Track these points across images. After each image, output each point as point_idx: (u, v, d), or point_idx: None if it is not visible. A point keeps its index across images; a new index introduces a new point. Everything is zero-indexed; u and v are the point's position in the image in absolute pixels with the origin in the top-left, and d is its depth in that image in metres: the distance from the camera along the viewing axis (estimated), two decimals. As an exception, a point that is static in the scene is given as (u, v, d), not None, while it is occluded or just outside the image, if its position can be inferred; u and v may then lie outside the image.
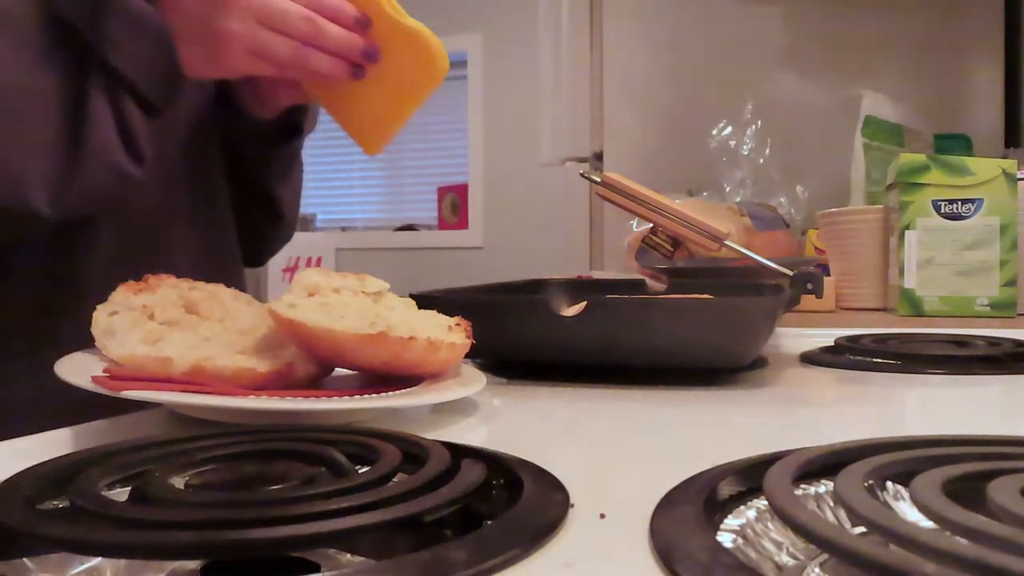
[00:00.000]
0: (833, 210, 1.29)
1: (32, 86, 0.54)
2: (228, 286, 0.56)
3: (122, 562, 0.29)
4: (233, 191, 0.77)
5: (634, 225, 1.44)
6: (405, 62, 0.61)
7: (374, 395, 0.47)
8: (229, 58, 0.57)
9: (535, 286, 0.85)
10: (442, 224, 4.21)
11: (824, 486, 0.32)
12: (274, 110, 0.70)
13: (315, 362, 0.51)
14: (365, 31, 0.59)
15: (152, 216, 0.70)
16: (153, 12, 0.56)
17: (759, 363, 0.67)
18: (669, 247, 1.29)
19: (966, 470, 0.28)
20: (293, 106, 0.71)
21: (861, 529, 0.27)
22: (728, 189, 1.60)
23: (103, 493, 0.30)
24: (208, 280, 0.56)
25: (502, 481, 0.33)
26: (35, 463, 0.33)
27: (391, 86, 0.62)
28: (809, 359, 0.71)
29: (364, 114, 0.64)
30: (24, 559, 0.28)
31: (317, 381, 0.52)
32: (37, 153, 0.55)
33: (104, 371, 0.46)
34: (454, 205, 4.15)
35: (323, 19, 0.58)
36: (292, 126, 0.73)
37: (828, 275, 1.24)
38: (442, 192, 4.21)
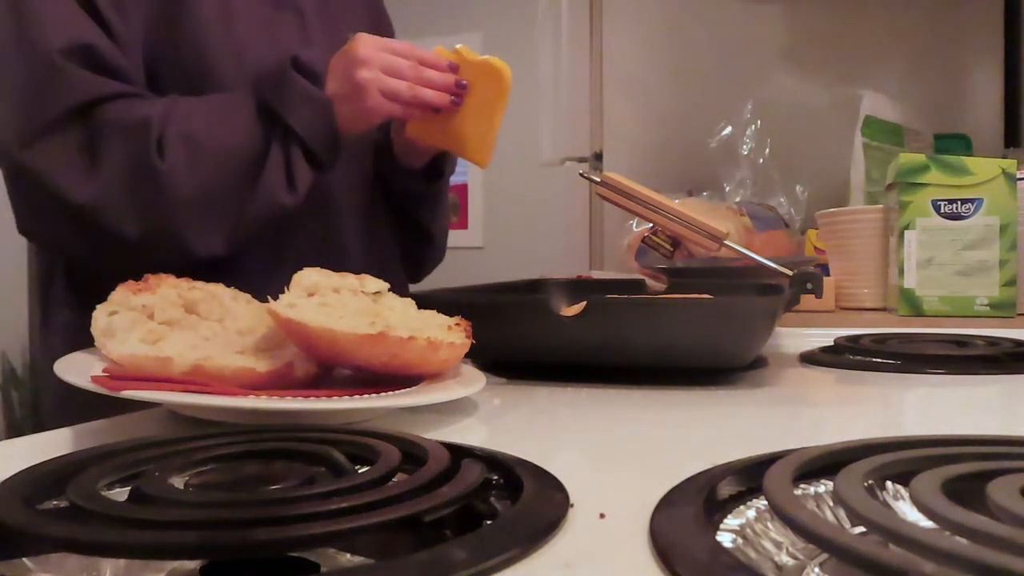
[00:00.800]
0: (833, 210, 1.29)
1: (236, 147, 0.75)
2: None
3: (122, 562, 0.29)
4: (395, 224, 1.00)
5: (634, 225, 1.44)
6: (484, 86, 0.81)
7: (374, 395, 0.47)
8: (368, 101, 0.76)
9: (535, 286, 0.85)
10: (442, 224, 4.21)
11: (824, 486, 0.32)
12: (421, 160, 0.93)
13: (315, 362, 0.51)
14: (455, 72, 0.81)
15: (342, 240, 0.90)
16: (319, 91, 0.77)
17: (759, 363, 0.67)
18: (669, 247, 1.29)
19: (965, 470, 0.28)
20: (438, 155, 0.94)
21: (861, 529, 0.27)
22: (728, 189, 1.60)
23: (103, 493, 0.30)
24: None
25: (502, 481, 0.33)
26: (35, 463, 0.33)
27: (480, 107, 0.82)
28: (809, 359, 0.71)
29: (467, 136, 0.84)
30: (24, 559, 0.28)
31: (317, 381, 0.52)
32: (221, 200, 0.75)
33: (104, 371, 0.46)
34: (454, 205, 4.15)
35: (424, 66, 0.79)
36: (437, 170, 0.96)
37: (828, 275, 1.24)
38: (442, 192, 4.20)
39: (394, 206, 0.99)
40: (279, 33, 0.85)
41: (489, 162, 0.87)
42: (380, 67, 0.77)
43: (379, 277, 0.63)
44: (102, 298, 0.53)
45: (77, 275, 0.81)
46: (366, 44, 0.77)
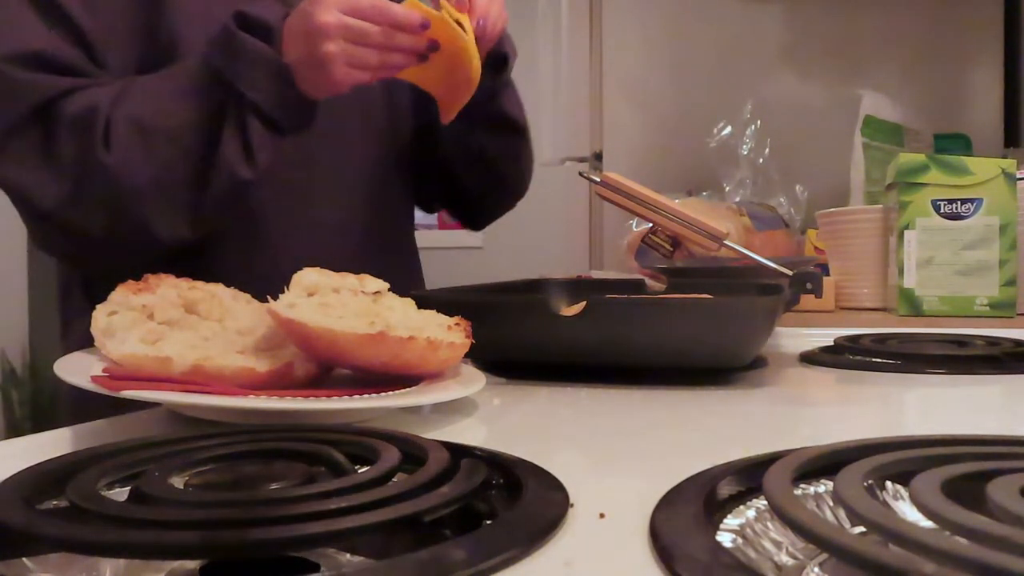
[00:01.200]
0: (832, 210, 1.29)
1: (187, 124, 0.70)
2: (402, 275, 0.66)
3: (121, 562, 0.29)
4: (489, 136, 0.95)
5: (634, 225, 1.44)
6: (450, 41, 0.75)
7: (374, 395, 0.47)
8: (335, 74, 0.71)
9: (535, 286, 0.85)
10: (442, 224, 4.20)
11: (823, 486, 0.32)
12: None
13: (315, 362, 0.51)
14: (425, 31, 0.73)
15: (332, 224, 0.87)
16: (274, 54, 0.71)
17: (759, 363, 0.67)
18: (669, 247, 1.29)
19: (965, 470, 0.28)
20: (493, 49, 0.85)
21: (860, 529, 0.27)
22: (728, 189, 1.60)
23: (102, 493, 0.30)
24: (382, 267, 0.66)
25: (502, 481, 0.33)
26: (35, 463, 0.33)
27: (447, 61, 0.76)
28: (809, 359, 0.71)
29: (438, 89, 0.80)
30: (24, 559, 0.28)
31: (317, 381, 0.52)
32: (176, 184, 0.71)
33: (104, 371, 0.46)
34: (454, 205, 4.14)
35: (394, 30, 0.72)
36: (500, 57, 0.88)
37: (827, 275, 1.24)
38: (442, 192, 4.20)
39: (473, 125, 0.91)
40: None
41: (450, 119, 0.82)
42: (344, 36, 0.70)
43: (379, 258, 0.62)
44: None
45: (94, 284, 0.80)
46: (327, 7, 0.69)
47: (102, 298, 0.52)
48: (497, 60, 0.88)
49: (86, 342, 0.52)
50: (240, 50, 0.70)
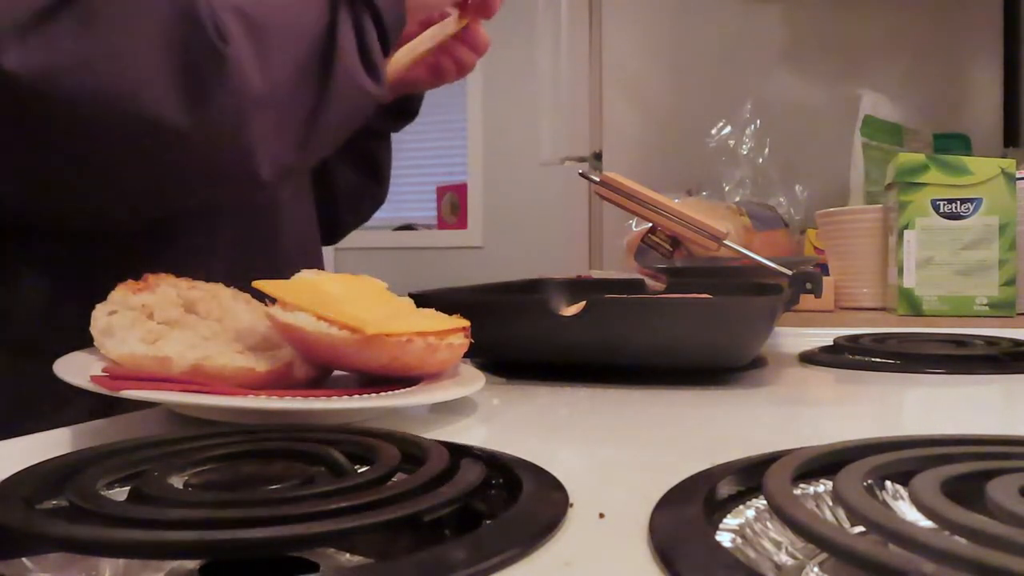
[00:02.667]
0: (832, 210, 1.29)
1: (302, 20, 0.58)
2: (314, 265, 0.59)
3: (121, 562, 0.29)
4: (351, 169, 0.90)
5: (633, 225, 1.45)
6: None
7: (373, 395, 0.47)
8: None
9: (534, 286, 0.85)
10: (441, 224, 4.20)
11: (823, 485, 0.32)
12: (394, 94, 0.80)
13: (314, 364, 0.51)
14: None
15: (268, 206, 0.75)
16: None
17: (758, 363, 0.67)
18: (668, 247, 1.29)
19: (965, 470, 0.28)
20: (408, 95, 0.84)
21: (860, 528, 0.27)
22: (727, 188, 1.60)
23: (102, 493, 0.30)
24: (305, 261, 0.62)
25: (501, 481, 0.33)
26: (34, 463, 0.33)
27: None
28: (808, 359, 0.71)
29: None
30: (23, 559, 0.28)
31: (316, 381, 0.52)
32: (291, 96, 0.57)
33: (103, 370, 0.46)
34: (453, 205, 4.15)
35: None
36: (407, 110, 0.88)
37: (827, 275, 1.24)
38: (441, 192, 4.20)
39: (354, 147, 0.85)
40: None
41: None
42: None
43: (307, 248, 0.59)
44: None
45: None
46: None
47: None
48: (407, 110, 0.88)
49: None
50: None
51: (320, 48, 0.58)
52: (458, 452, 0.34)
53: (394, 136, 0.96)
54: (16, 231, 0.58)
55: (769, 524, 0.29)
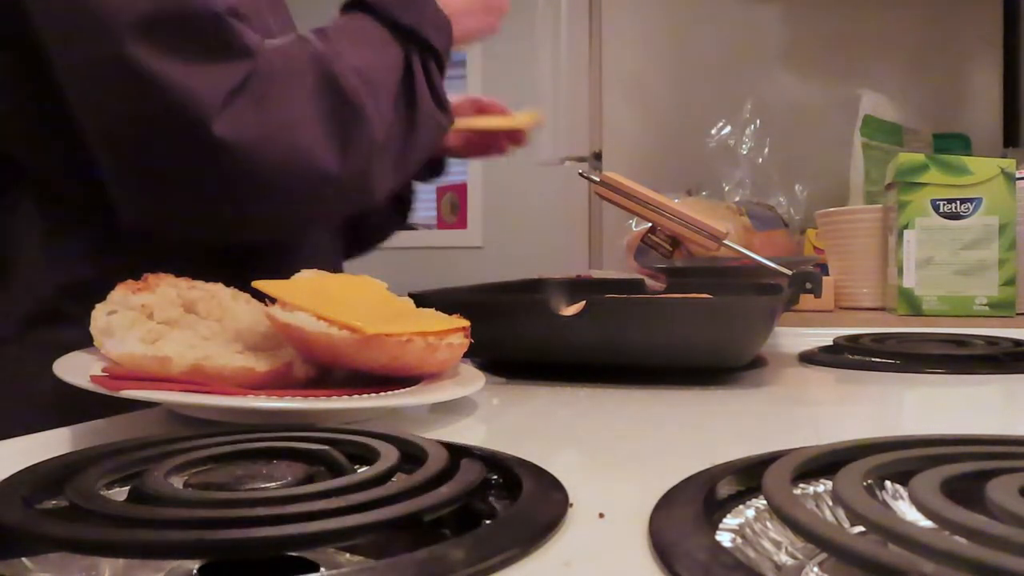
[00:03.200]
0: (832, 209, 1.29)
1: (392, 70, 0.69)
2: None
3: (120, 562, 0.29)
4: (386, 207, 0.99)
5: (633, 224, 1.44)
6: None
7: (373, 395, 0.47)
8: (495, 20, 0.80)
9: (534, 286, 0.85)
10: (441, 224, 4.20)
11: (823, 485, 0.32)
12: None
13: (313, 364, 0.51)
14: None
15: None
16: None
17: (758, 363, 0.67)
18: (668, 246, 1.28)
19: (965, 469, 0.28)
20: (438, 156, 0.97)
21: (860, 528, 0.27)
22: (727, 188, 1.60)
23: (102, 493, 0.30)
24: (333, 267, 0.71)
25: (501, 480, 0.33)
26: (34, 463, 0.33)
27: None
28: (808, 358, 0.71)
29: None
30: (23, 559, 0.28)
31: (316, 381, 0.52)
32: (394, 137, 0.68)
33: (103, 370, 0.46)
34: (453, 205, 4.15)
35: None
36: (437, 168, 1.00)
37: (827, 275, 1.24)
38: (441, 192, 4.20)
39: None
40: None
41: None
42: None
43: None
44: None
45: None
46: None
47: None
48: (437, 166, 1.00)
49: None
50: (423, 1, 0.72)
51: (405, 93, 0.69)
52: (458, 452, 0.34)
53: None
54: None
55: (769, 524, 0.29)
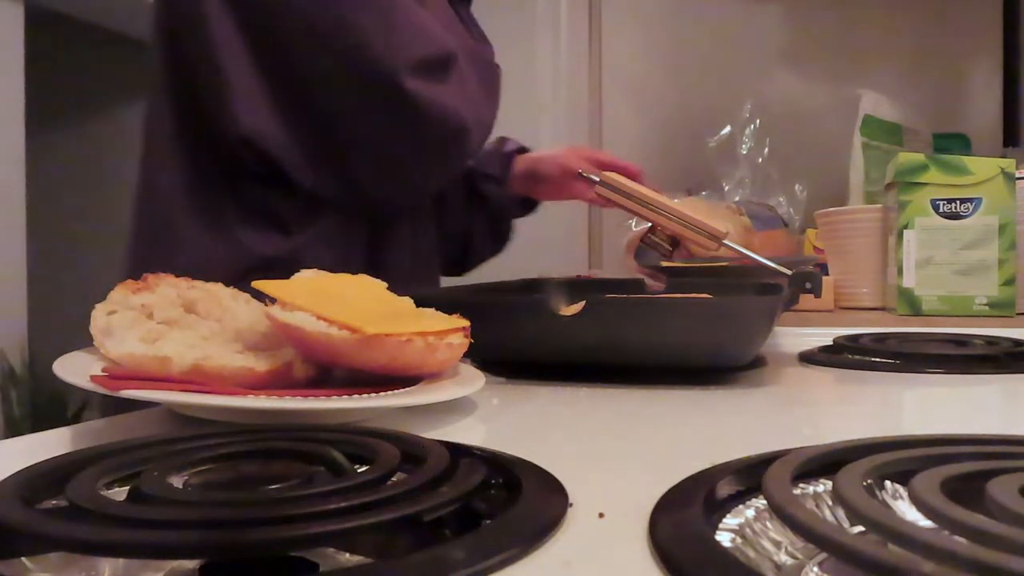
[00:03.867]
0: (832, 209, 1.29)
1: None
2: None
3: (121, 562, 0.29)
4: (490, 240, 1.24)
5: (633, 224, 1.44)
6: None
7: (373, 395, 0.47)
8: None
9: (534, 286, 0.85)
10: (441, 224, 4.20)
11: (823, 485, 0.32)
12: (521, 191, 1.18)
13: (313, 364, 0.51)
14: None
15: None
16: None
17: (758, 363, 0.67)
18: (668, 246, 1.28)
19: (965, 469, 0.28)
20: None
21: (860, 528, 0.27)
22: (727, 188, 1.60)
23: (101, 492, 0.30)
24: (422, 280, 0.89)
25: (501, 480, 0.33)
26: (34, 462, 0.33)
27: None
28: (808, 358, 0.71)
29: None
30: (23, 559, 0.28)
31: (316, 381, 0.52)
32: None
33: (103, 370, 0.46)
34: (453, 204, 4.14)
35: None
36: (532, 203, 1.23)
37: (827, 274, 1.24)
38: (441, 191, 4.19)
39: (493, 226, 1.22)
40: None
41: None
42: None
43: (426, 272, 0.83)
44: None
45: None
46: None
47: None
48: (531, 204, 1.22)
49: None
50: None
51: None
52: (458, 452, 0.34)
53: None
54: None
55: (769, 524, 0.29)
